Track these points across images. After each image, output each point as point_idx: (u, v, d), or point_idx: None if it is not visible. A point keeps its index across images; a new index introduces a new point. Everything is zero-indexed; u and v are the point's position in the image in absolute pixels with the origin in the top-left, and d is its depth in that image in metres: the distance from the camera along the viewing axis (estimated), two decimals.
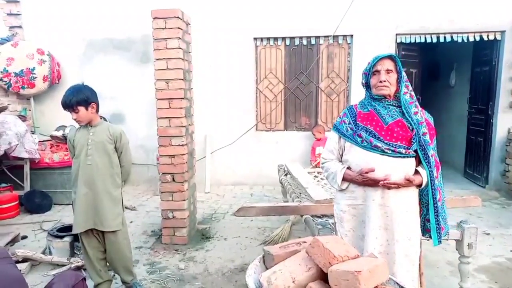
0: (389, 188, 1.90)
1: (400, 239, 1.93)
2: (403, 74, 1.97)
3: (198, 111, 4.71)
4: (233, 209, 4.61)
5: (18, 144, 4.62)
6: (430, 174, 1.93)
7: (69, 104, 2.48)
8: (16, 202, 4.65)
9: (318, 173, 4.23)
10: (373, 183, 1.91)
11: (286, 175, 4.19)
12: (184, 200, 3.70)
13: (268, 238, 3.83)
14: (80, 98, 2.48)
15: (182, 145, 3.64)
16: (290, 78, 5.96)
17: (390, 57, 1.97)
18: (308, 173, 4.10)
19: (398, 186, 1.89)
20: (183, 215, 3.71)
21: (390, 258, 1.94)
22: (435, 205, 1.98)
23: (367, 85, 2.04)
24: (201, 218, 4.52)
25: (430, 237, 2.03)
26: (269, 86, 6.01)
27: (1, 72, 5.40)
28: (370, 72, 1.99)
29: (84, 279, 2.05)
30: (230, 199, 5.39)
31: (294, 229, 3.95)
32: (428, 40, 5.55)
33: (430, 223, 2.00)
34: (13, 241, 3.53)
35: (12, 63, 5.43)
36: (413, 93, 2.00)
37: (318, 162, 5.13)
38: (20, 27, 6.05)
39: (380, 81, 1.94)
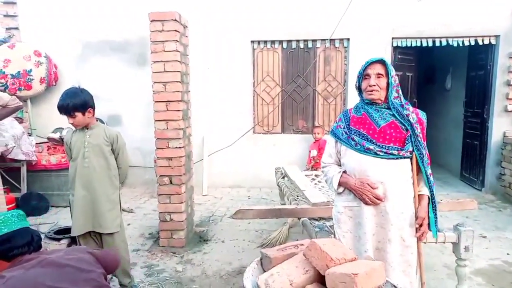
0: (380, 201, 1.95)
1: (392, 239, 1.96)
2: (393, 79, 1.98)
3: (195, 114, 4.71)
4: (231, 212, 4.62)
5: (14, 146, 4.60)
6: (425, 173, 1.99)
7: (65, 110, 2.46)
8: (13, 205, 4.61)
9: (316, 176, 4.24)
10: (366, 201, 1.94)
11: (283, 178, 4.20)
12: (182, 202, 3.70)
13: (265, 240, 3.83)
14: (77, 104, 2.46)
15: (180, 147, 3.64)
16: (287, 81, 5.98)
17: (380, 61, 1.99)
18: (306, 176, 4.11)
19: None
20: (181, 217, 3.71)
21: (384, 256, 1.97)
22: (433, 200, 2.04)
23: (359, 89, 2.08)
24: (199, 220, 4.51)
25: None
26: (266, 89, 6.03)
27: None
28: (362, 76, 2.03)
29: None
30: (227, 201, 5.39)
31: (291, 232, 3.95)
32: (424, 44, 5.60)
33: (429, 219, 2.05)
34: None
35: (8, 64, 5.41)
36: (402, 97, 2.03)
37: (314, 164, 5.21)
38: (16, 28, 6.03)
39: (370, 85, 1.97)
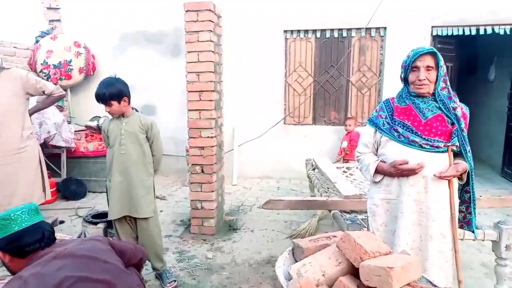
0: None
1: (434, 236, 1.91)
2: (442, 69, 1.89)
3: (226, 104, 4.73)
4: (260, 202, 4.64)
5: (56, 133, 4.83)
6: (470, 168, 1.92)
7: (102, 98, 2.55)
8: (54, 189, 4.87)
9: (347, 168, 4.17)
10: (409, 174, 1.89)
11: (314, 169, 4.16)
12: (213, 191, 3.75)
13: (294, 232, 3.82)
14: (113, 93, 2.53)
15: (212, 137, 3.68)
16: (320, 72, 5.87)
17: (431, 52, 1.88)
18: (337, 168, 4.04)
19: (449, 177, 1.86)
20: (212, 206, 3.77)
21: (423, 254, 1.91)
22: (474, 198, 1.99)
23: (405, 80, 1.98)
24: (228, 209, 4.57)
25: (469, 230, 2.09)
26: (298, 79, 5.96)
27: (41, 64, 5.64)
28: (409, 67, 1.91)
29: None
30: (256, 192, 5.41)
31: (321, 224, 3.92)
32: (467, 33, 5.30)
33: (471, 215, 2.03)
34: (52, 225, 3.70)
35: (51, 55, 5.67)
36: (450, 88, 1.94)
37: (345, 155, 5.13)
38: (59, 20, 6.28)
39: (419, 79, 1.87)
